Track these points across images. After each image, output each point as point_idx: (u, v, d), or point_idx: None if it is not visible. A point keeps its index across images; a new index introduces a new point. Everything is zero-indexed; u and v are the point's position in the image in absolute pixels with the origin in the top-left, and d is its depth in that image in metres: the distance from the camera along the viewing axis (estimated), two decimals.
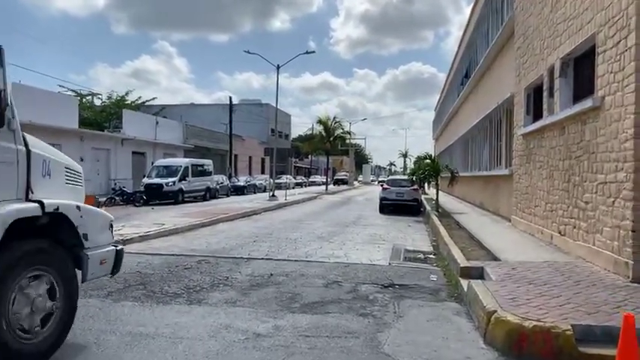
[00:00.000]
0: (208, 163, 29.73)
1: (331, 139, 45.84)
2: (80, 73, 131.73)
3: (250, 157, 53.35)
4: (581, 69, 8.59)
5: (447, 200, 23.62)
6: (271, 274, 7.75)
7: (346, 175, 61.70)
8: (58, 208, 4.19)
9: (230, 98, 45.62)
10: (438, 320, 5.54)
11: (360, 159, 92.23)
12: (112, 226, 5.06)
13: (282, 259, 9.24)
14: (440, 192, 20.31)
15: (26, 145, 4.19)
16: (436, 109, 48.07)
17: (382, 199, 21.35)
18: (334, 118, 46.78)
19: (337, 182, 48.86)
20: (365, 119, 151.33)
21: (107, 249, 4.82)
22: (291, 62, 31.52)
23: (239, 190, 35.02)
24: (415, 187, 21.78)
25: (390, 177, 31.29)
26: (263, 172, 51.40)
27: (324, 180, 47.59)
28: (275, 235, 12.62)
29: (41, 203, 4.03)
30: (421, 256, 10.03)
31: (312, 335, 4.91)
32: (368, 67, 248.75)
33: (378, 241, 11.91)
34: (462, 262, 7.73)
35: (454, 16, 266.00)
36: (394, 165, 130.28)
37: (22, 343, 3.84)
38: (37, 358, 3.99)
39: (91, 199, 5.23)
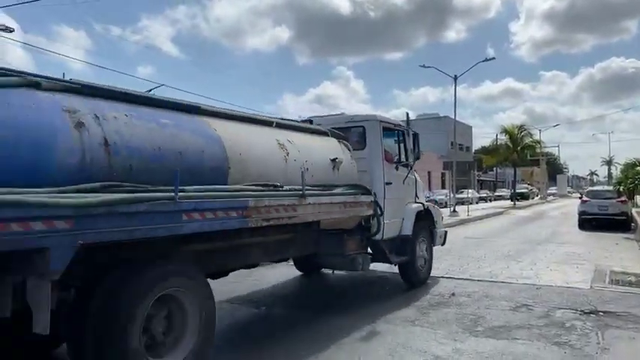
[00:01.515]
0: None
1: (518, 149, 42.50)
2: (271, 103, 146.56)
3: (429, 172, 52.46)
4: None
5: None
6: (452, 294, 7.44)
7: (527, 188, 55.88)
8: (427, 207, 8.34)
9: (407, 114, 44.96)
10: None
11: (554, 169, 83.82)
12: (442, 217, 9.25)
13: (463, 278, 8.81)
14: None
15: (414, 174, 8.19)
16: None
17: (581, 213, 19.01)
18: (521, 126, 43.41)
19: (515, 197, 43.41)
20: (557, 125, 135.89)
21: (442, 229, 8.93)
22: (469, 72, 30.40)
23: None
24: (623, 198, 18.93)
25: (590, 188, 27.71)
26: (443, 187, 50.04)
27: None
28: (456, 252, 12.09)
29: (422, 204, 8.22)
30: (632, 279, 8.60)
31: None
32: (557, 68, 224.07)
33: (576, 261, 10.60)
34: None
35: None
36: (596, 174, 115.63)
37: (420, 273, 7.98)
38: (422, 282, 8.02)
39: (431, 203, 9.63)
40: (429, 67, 31.50)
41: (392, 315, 6.27)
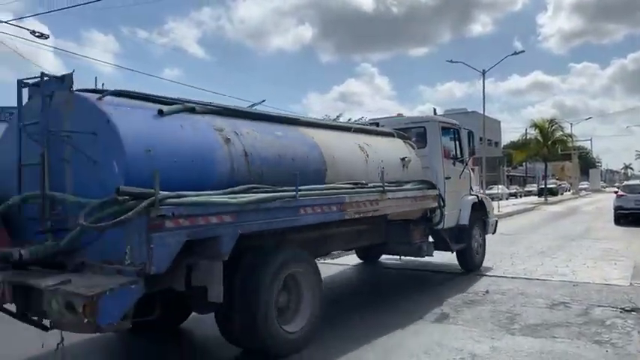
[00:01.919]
0: None
1: (549, 143, 41.47)
2: (296, 102, 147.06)
3: None
4: None
5: None
6: (486, 291, 7.34)
7: (555, 184, 54.57)
8: (481, 199, 9.04)
9: (434, 110, 44.73)
10: None
11: (587, 163, 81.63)
12: (493, 208, 9.98)
13: (497, 275, 8.68)
14: None
15: (469, 167, 8.82)
16: None
17: (617, 208, 18.49)
18: (552, 119, 42.33)
19: (545, 192, 41.80)
20: (589, 118, 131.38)
21: (493, 219, 9.67)
22: (496, 66, 29.55)
23: None
24: None
25: (627, 182, 26.91)
26: None
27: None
28: (488, 248, 11.79)
29: (477, 196, 8.98)
30: None
31: None
32: (587, 59, 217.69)
33: (614, 257, 10.33)
34: None
35: None
36: (630, 168, 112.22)
37: (475, 259, 8.86)
38: (477, 267, 8.98)
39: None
40: (456, 62, 31.43)
41: (426, 313, 6.22)
